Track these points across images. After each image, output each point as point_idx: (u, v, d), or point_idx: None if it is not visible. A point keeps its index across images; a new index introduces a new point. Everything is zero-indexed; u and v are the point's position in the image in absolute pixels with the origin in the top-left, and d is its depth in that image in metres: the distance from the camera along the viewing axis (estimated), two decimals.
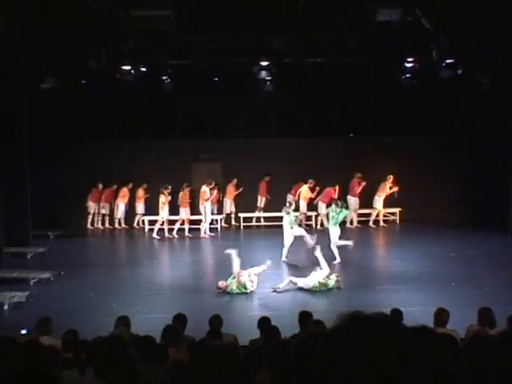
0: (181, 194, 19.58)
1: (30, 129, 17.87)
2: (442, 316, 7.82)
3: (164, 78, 17.19)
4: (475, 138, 20.34)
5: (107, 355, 3.98)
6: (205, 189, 19.52)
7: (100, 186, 20.97)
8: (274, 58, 15.22)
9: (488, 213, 19.02)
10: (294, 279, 13.03)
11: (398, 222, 21.07)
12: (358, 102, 20.19)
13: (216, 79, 18.27)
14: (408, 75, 16.77)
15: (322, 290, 12.89)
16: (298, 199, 20.36)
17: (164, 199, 19.30)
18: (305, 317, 8.09)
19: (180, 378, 5.13)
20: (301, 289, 12.91)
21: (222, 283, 12.67)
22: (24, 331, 8.42)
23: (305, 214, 20.48)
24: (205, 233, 19.64)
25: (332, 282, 13.07)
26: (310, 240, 15.25)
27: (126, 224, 21.30)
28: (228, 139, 21.25)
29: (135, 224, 21.17)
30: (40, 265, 15.31)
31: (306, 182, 20.29)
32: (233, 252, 13.06)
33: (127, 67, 15.42)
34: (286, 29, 12.92)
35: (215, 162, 21.31)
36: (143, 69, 16.00)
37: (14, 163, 17.08)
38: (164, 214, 19.40)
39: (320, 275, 13.06)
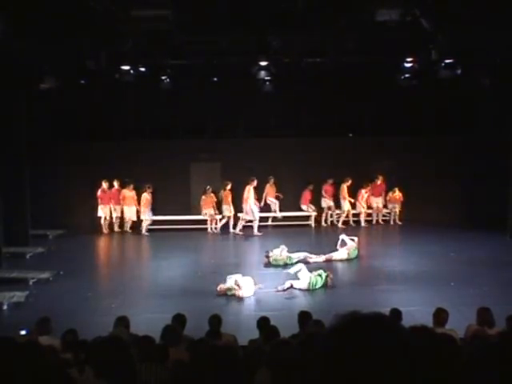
0: (223, 192, 19.90)
1: (30, 129, 17.87)
2: (441, 316, 7.83)
3: (163, 77, 17.18)
4: (474, 138, 20.35)
5: (107, 355, 3.98)
6: (249, 187, 19.55)
7: (105, 185, 20.09)
8: (274, 58, 15.22)
9: (487, 213, 19.03)
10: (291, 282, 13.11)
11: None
12: (357, 102, 20.19)
13: (215, 79, 18.26)
14: (407, 75, 16.77)
15: (315, 289, 12.97)
16: (334, 199, 20.80)
17: (212, 198, 20.16)
18: (304, 317, 8.10)
19: (180, 378, 5.13)
20: (299, 289, 12.99)
21: (222, 286, 12.62)
22: (23, 332, 8.41)
23: (349, 212, 20.88)
24: (257, 231, 19.72)
25: (322, 279, 13.14)
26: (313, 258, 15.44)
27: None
28: (227, 139, 21.25)
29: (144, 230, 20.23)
30: (39, 265, 15.30)
31: (331, 182, 20.70)
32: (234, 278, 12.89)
33: (126, 67, 15.42)
34: (286, 29, 12.91)
35: (215, 162, 21.31)
36: (142, 69, 15.98)
37: (14, 163, 17.08)
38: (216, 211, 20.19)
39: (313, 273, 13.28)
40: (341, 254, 15.74)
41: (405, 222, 20.87)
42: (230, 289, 12.50)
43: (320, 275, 13.27)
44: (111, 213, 20.28)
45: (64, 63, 15.00)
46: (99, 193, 20.10)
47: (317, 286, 13.09)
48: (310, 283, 13.04)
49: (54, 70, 15.24)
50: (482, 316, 7.86)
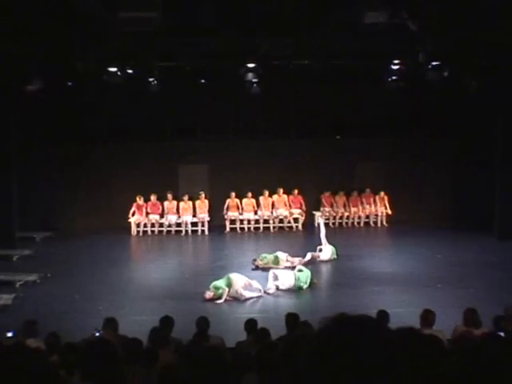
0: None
1: (17, 130, 17.77)
2: (428, 317, 7.87)
3: (151, 79, 17.11)
4: (461, 140, 20.46)
5: (94, 357, 3.96)
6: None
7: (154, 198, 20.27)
8: (262, 60, 15.22)
9: (474, 214, 19.12)
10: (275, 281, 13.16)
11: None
12: (344, 104, 20.23)
13: (203, 81, 18.23)
14: (394, 77, 16.83)
15: (301, 286, 13.01)
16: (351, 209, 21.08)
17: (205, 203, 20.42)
18: (291, 319, 8.11)
19: (168, 380, 5.12)
20: (284, 290, 13.02)
21: (208, 294, 12.50)
22: (10, 334, 8.37)
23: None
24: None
25: (304, 273, 13.22)
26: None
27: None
28: (216, 141, 21.21)
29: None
30: (26, 267, 15.21)
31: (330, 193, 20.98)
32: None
33: (114, 69, 15.34)
34: (274, 31, 12.93)
35: (203, 165, 21.26)
36: (130, 71, 15.90)
37: (1, 164, 16.97)
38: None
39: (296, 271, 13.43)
40: (325, 253, 15.87)
41: (391, 224, 20.92)
42: (218, 290, 12.46)
43: (301, 270, 13.36)
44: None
45: (51, 65, 14.93)
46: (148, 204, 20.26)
47: (302, 280, 13.09)
48: (295, 279, 13.05)
49: (41, 71, 15.15)
50: (468, 317, 7.91)
